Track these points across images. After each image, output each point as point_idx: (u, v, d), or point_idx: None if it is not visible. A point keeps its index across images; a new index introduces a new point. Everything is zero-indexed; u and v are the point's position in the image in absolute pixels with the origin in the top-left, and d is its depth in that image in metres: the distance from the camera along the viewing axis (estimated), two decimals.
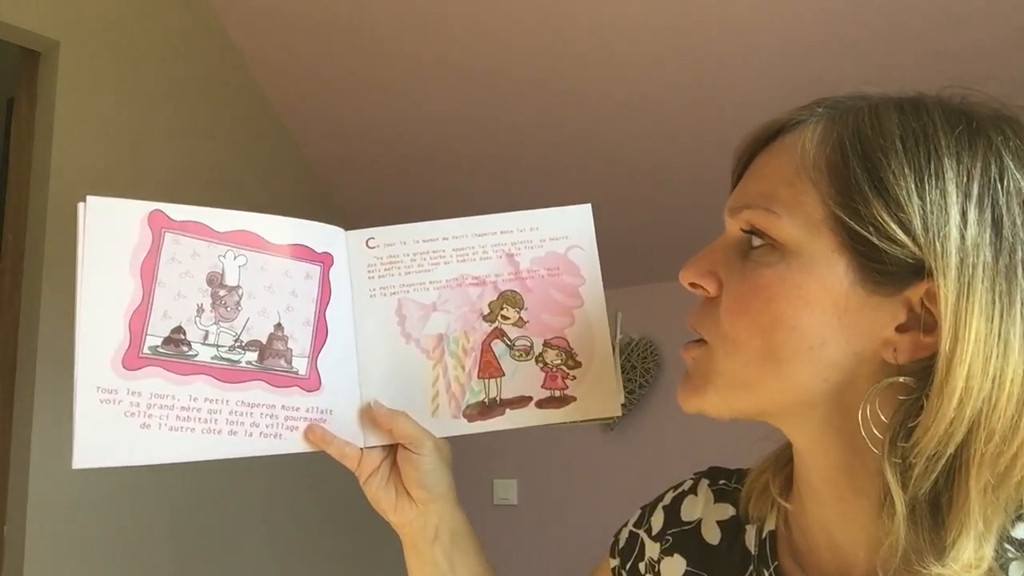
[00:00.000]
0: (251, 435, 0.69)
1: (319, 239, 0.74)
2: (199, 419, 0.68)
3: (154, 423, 0.66)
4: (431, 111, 2.63)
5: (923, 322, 0.49)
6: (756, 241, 0.54)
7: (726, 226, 0.57)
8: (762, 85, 2.12)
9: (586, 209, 0.78)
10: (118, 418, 0.65)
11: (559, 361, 0.76)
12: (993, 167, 0.48)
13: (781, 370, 0.52)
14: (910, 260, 0.48)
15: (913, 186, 0.48)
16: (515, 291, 0.76)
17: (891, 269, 0.49)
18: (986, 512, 0.47)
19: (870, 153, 0.50)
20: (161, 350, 0.67)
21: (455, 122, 2.64)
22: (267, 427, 0.70)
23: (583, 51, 2.28)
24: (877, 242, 0.49)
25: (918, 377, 0.49)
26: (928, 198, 0.48)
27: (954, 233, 0.47)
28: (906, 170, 0.48)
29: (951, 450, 0.47)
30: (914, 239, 0.48)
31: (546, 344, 0.76)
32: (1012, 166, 0.49)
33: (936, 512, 0.48)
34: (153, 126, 2.50)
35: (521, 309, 0.76)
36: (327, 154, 2.93)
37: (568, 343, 0.76)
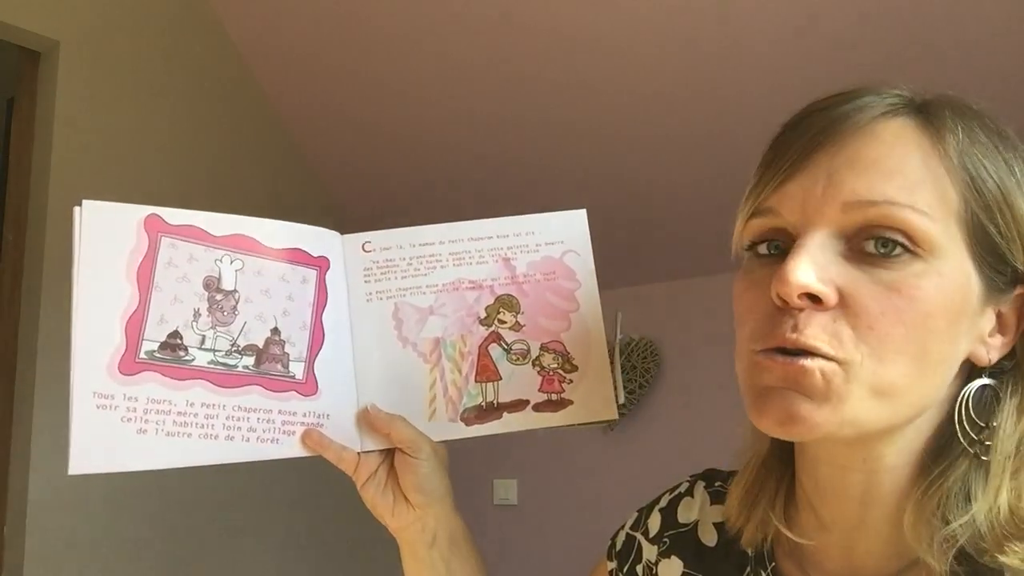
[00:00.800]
0: (248, 440, 0.69)
1: (315, 243, 0.74)
2: (196, 424, 0.67)
3: (151, 428, 0.66)
4: (431, 111, 2.63)
5: (1002, 326, 0.53)
6: (880, 244, 0.50)
7: (815, 221, 0.51)
8: (763, 85, 2.12)
9: (581, 215, 0.78)
10: (115, 423, 0.65)
11: (556, 365, 0.76)
12: None
13: (926, 381, 0.51)
14: (1016, 273, 0.52)
15: (1020, 200, 0.51)
16: (512, 295, 0.77)
17: (1006, 277, 0.52)
18: None
19: (992, 160, 0.51)
20: (158, 355, 0.67)
21: (454, 122, 2.64)
22: (264, 432, 0.70)
23: (584, 51, 2.28)
24: (1005, 251, 0.51)
25: (998, 377, 0.53)
26: None
27: None
28: (1013, 182, 0.52)
29: None
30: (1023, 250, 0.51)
31: (543, 348, 0.76)
32: None
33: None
34: (153, 126, 2.50)
35: (518, 313, 0.76)
36: (327, 154, 2.93)
37: (564, 347, 0.76)
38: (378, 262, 0.76)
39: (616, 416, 0.78)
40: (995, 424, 0.51)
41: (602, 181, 2.57)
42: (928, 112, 0.52)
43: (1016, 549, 0.49)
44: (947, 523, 0.50)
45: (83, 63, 2.34)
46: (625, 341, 2.79)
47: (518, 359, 0.76)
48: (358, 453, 0.73)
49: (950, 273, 0.50)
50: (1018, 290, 0.52)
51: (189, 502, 2.43)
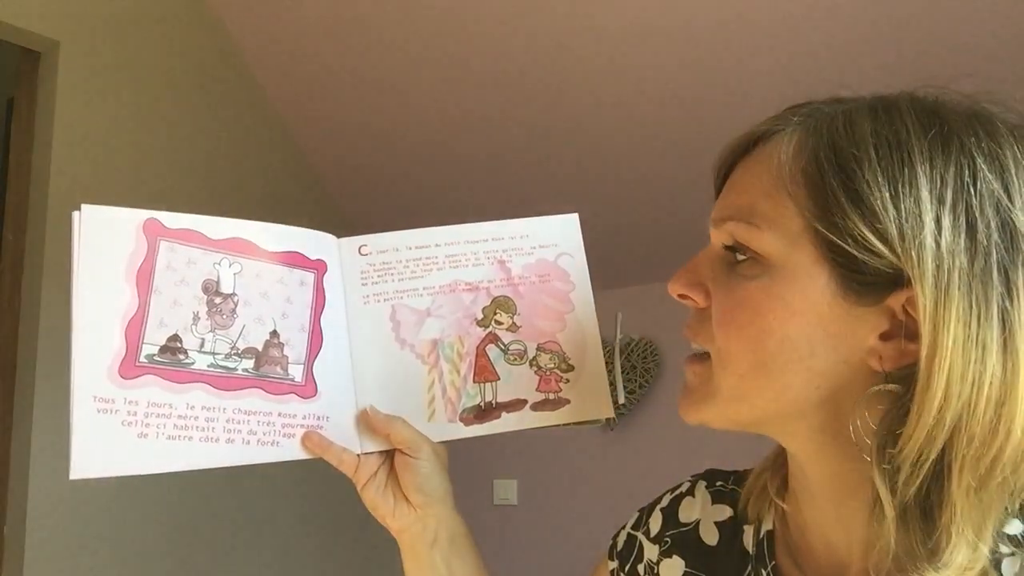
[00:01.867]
0: (248, 443, 0.69)
1: (312, 246, 0.74)
2: (197, 427, 0.67)
3: (152, 432, 0.66)
4: (431, 112, 2.63)
5: (906, 329, 0.49)
6: (739, 254, 0.54)
7: (711, 237, 0.58)
8: (760, 85, 2.13)
9: (573, 218, 0.80)
10: (115, 427, 0.65)
11: (552, 364, 0.77)
12: (966, 171, 0.49)
13: (774, 381, 0.53)
14: (889, 269, 0.49)
15: (888, 195, 0.48)
16: (508, 297, 0.77)
17: (871, 279, 0.49)
18: (973, 515, 0.48)
19: (844, 164, 0.50)
20: (158, 358, 0.67)
21: (454, 122, 2.64)
22: (264, 435, 0.70)
23: (583, 53, 2.28)
24: (856, 253, 0.49)
25: (904, 384, 0.49)
26: (903, 207, 0.48)
27: (929, 240, 0.47)
28: (880, 179, 0.49)
29: (934, 455, 0.47)
30: (891, 248, 0.48)
31: (539, 348, 0.77)
32: (984, 169, 0.49)
33: (927, 516, 0.49)
34: (153, 126, 2.50)
35: (514, 314, 0.77)
36: (327, 155, 2.93)
37: (561, 347, 0.77)
38: (375, 265, 0.76)
39: (613, 414, 0.79)
40: (898, 431, 0.49)
41: (602, 181, 2.57)
42: (803, 125, 0.54)
43: (926, 569, 0.48)
44: (892, 542, 0.49)
45: (83, 63, 2.35)
46: (625, 341, 2.80)
47: (515, 359, 0.77)
48: (358, 455, 0.73)
49: (789, 278, 0.51)
50: (903, 291, 0.49)
51: (189, 502, 2.44)
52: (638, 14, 2.13)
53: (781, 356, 0.52)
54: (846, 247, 0.49)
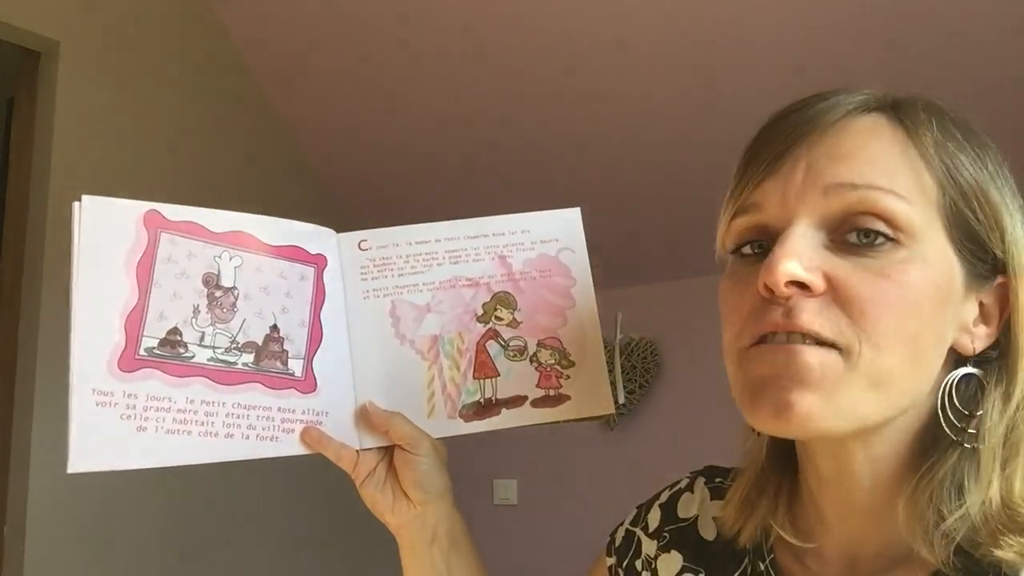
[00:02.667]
0: (248, 438, 0.69)
1: (312, 241, 0.74)
2: (196, 421, 0.67)
3: (151, 426, 0.65)
4: (431, 112, 2.63)
5: (986, 316, 0.54)
6: (863, 234, 0.50)
7: (798, 210, 0.51)
8: (763, 85, 2.12)
9: (575, 213, 0.79)
10: (114, 421, 0.64)
11: (553, 361, 0.77)
12: (1010, 178, 0.54)
13: (921, 370, 0.51)
14: (995, 259, 0.53)
15: (995, 191, 0.53)
16: (508, 292, 0.77)
17: (986, 265, 0.53)
18: None
19: (965, 152, 0.53)
20: (157, 352, 0.67)
21: (455, 121, 2.64)
22: (264, 429, 0.69)
23: (583, 51, 2.28)
24: (985, 239, 0.52)
25: (983, 366, 0.53)
26: (1008, 201, 0.53)
27: (1020, 236, 0.53)
28: (987, 174, 0.53)
29: None
30: (1003, 239, 0.52)
31: (540, 344, 0.77)
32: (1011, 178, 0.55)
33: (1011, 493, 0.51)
34: (153, 126, 2.50)
35: (514, 310, 0.77)
36: (327, 154, 2.93)
37: (561, 343, 0.77)
38: (374, 260, 0.76)
39: (613, 410, 0.78)
40: (980, 413, 0.51)
41: (602, 181, 2.57)
42: (899, 108, 0.54)
43: (1011, 542, 0.49)
44: (942, 517, 0.50)
45: (83, 63, 2.34)
46: (625, 341, 2.79)
47: (516, 355, 0.76)
48: (357, 451, 0.73)
49: (933, 259, 0.51)
50: (999, 279, 0.53)
51: (189, 501, 2.44)
52: (640, 14, 2.13)
53: (930, 342, 0.51)
54: (979, 232, 0.52)
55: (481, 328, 0.76)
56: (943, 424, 0.52)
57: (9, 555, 2.11)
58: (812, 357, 0.49)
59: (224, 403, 0.68)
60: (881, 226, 0.50)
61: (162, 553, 2.38)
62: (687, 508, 0.69)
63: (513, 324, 0.77)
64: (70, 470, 0.62)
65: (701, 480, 0.71)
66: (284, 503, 2.71)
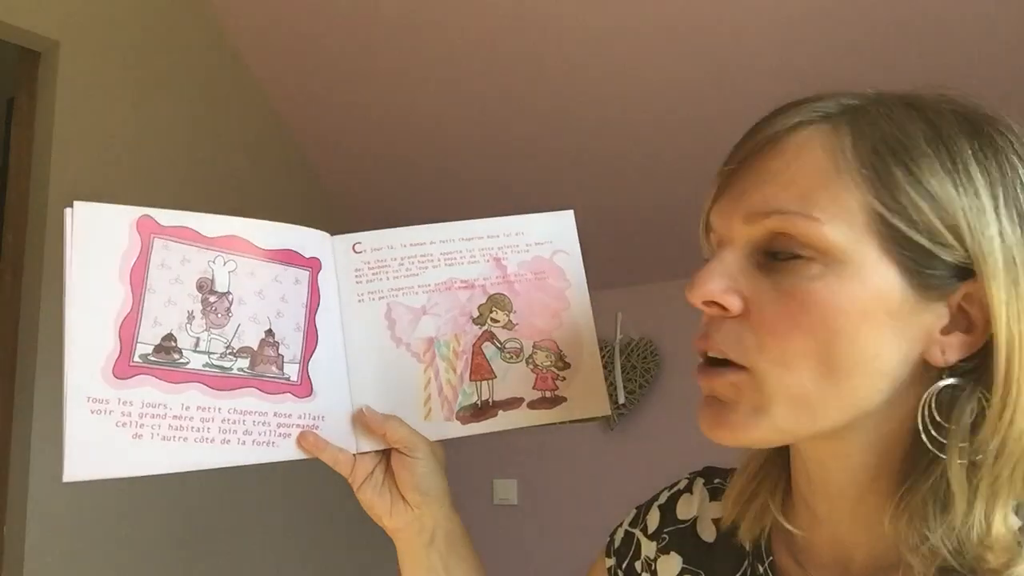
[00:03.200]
0: (244, 443, 0.68)
1: (306, 244, 0.74)
2: (192, 428, 0.66)
3: (146, 433, 0.65)
4: (433, 110, 2.63)
5: (962, 323, 0.50)
6: (782, 254, 0.51)
7: (732, 234, 0.54)
8: (762, 84, 2.12)
9: (569, 215, 0.79)
10: (110, 429, 0.64)
11: (549, 363, 0.77)
12: (1008, 169, 0.50)
13: (842, 386, 0.50)
14: (955, 262, 0.49)
15: (952, 189, 0.49)
16: (504, 294, 0.77)
17: (939, 272, 0.49)
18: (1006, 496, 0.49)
19: (908, 156, 0.50)
20: (152, 358, 0.66)
21: (454, 121, 2.64)
22: (260, 435, 0.69)
23: (584, 53, 2.28)
24: (929, 246, 0.49)
25: (963, 377, 0.50)
26: (966, 201, 0.48)
27: (995, 234, 0.48)
28: (941, 173, 0.49)
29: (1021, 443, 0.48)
30: (961, 242, 0.48)
31: (536, 346, 0.77)
32: (1020, 167, 0.50)
33: (990, 508, 0.49)
34: (153, 126, 2.50)
35: (510, 312, 0.77)
36: (328, 155, 2.93)
37: (557, 345, 0.77)
38: (369, 263, 0.76)
39: (609, 412, 0.79)
40: (955, 427, 0.49)
41: (602, 180, 2.57)
42: (851, 116, 0.52)
43: (989, 560, 0.48)
44: (927, 533, 0.49)
45: (83, 63, 2.34)
46: (625, 341, 2.79)
47: (512, 357, 0.76)
48: (354, 454, 0.73)
49: (856, 275, 0.49)
50: (967, 283, 0.49)
51: (190, 503, 2.44)
52: (639, 14, 2.13)
53: (850, 359, 0.50)
54: (918, 239, 0.49)
55: (477, 330, 0.76)
56: (924, 438, 0.50)
57: (9, 555, 2.12)
58: (723, 379, 0.53)
59: (220, 409, 0.68)
60: (794, 247, 0.50)
61: (162, 554, 2.38)
62: (686, 509, 0.69)
63: (509, 326, 0.77)
64: (66, 479, 0.61)
65: (700, 481, 0.71)
66: (284, 506, 2.71)
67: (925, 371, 0.51)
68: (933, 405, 0.50)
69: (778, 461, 0.63)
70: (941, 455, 0.50)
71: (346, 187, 2.99)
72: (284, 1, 2.52)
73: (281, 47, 2.67)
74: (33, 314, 2.19)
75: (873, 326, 0.49)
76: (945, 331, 0.50)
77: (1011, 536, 0.49)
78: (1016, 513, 0.50)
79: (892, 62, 1.95)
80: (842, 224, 0.49)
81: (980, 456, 0.48)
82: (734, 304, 0.52)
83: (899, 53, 1.94)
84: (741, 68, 2.15)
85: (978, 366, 0.49)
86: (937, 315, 0.50)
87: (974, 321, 0.49)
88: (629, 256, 2.65)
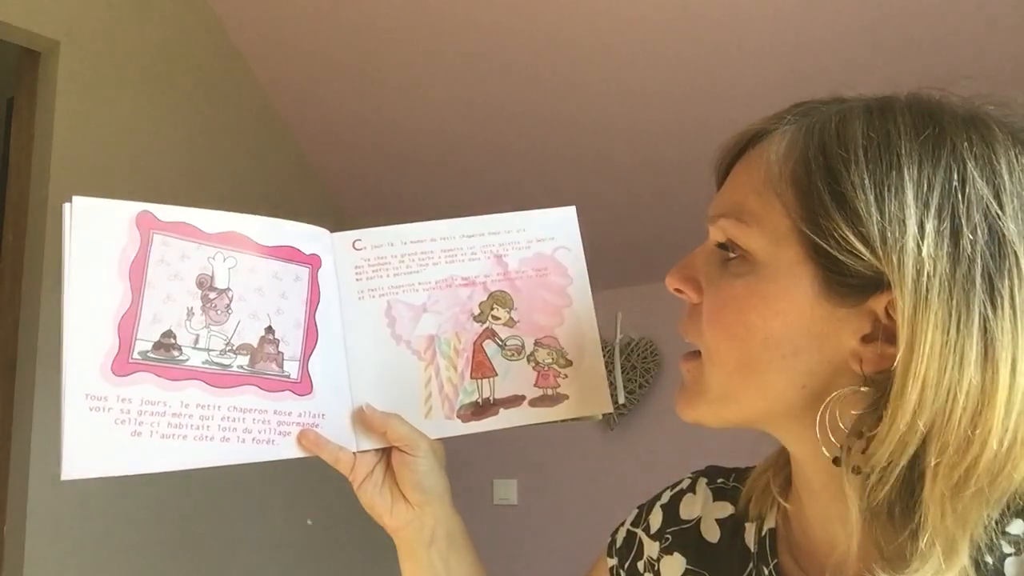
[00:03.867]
0: (244, 441, 0.67)
1: (306, 241, 0.73)
2: (191, 426, 0.66)
3: (145, 431, 0.64)
4: (431, 110, 2.63)
5: (886, 333, 0.49)
6: (731, 252, 0.55)
7: (709, 233, 0.58)
8: (762, 86, 2.12)
9: (571, 211, 0.79)
10: (108, 426, 0.63)
11: (550, 360, 0.76)
12: (955, 175, 0.48)
13: (758, 380, 0.53)
14: (871, 272, 0.48)
15: (872, 198, 0.48)
16: (505, 291, 0.76)
17: (853, 281, 0.49)
18: (946, 524, 0.47)
19: (832, 165, 0.50)
20: (151, 355, 0.65)
21: (455, 120, 2.64)
22: (260, 433, 0.68)
23: (585, 52, 2.28)
24: (838, 255, 0.49)
25: (880, 388, 0.49)
26: (886, 210, 0.48)
27: (911, 245, 0.47)
28: (866, 181, 0.48)
29: (904, 461, 0.47)
30: (872, 251, 0.48)
31: (537, 343, 0.76)
32: (975, 174, 0.48)
33: (896, 521, 0.49)
34: (153, 126, 2.50)
35: (511, 309, 0.76)
36: (328, 154, 2.93)
37: (559, 342, 0.76)
38: (369, 260, 0.75)
39: (611, 409, 0.78)
40: (846, 431, 0.50)
41: (602, 180, 2.57)
42: (792, 126, 0.54)
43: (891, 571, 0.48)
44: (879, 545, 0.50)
45: (83, 63, 2.34)
46: (625, 341, 2.79)
47: (513, 355, 0.76)
48: (354, 453, 0.72)
49: (773, 277, 0.52)
50: (884, 295, 0.48)
51: (189, 502, 2.44)
52: (640, 13, 2.13)
53: (764, 354, 0.52)
54: (828, 248, 0.49)
55: (478, 328, 0.76)
56: (820, 441, 0.51)
57: (9, 555, 2.11)
58: (684, 363, 0.59)
59: (219, 406, 0.67)
60: (732, 247, 0.54)
61: (162, 554, 2.37)
62: (689, 509, 0.69)
63: (510, 323, 0.76)
64: (64, 477, 0.61)
65: (703, 481, 0.71)
66: (282, 506, 2.71)
67: (854, 378, 0.50)
68: (846, 413, 0.50)
69: (782, 459, 0.63)
70: (836, 461, 0.51)
71: (346, 186, 2.99)
72: (285, 1, 2.52)
73: (282, 47, 2.67)
74: (33, 314, 2.19)
75: (787, 326, 0.51)
76: (866, 340, 0.50)
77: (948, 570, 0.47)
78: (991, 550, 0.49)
79: (894, 64, 1.94)
80: (766, 229, 0.52)
81: (865, 469, 0.48)
82: (692, 293, 0.57)
83: (902, 56, 1.94)
84: (742, 71, 2.15)
85: (891, 378, 0.48)
86: (857, 323, 0.50)
87: (898, 334, 0.48)
88: (629, 256, 2.64)
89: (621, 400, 2.71)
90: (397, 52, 2.50)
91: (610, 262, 2.56)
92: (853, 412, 0.50)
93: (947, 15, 1.85)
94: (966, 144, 0.49)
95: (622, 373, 2.75)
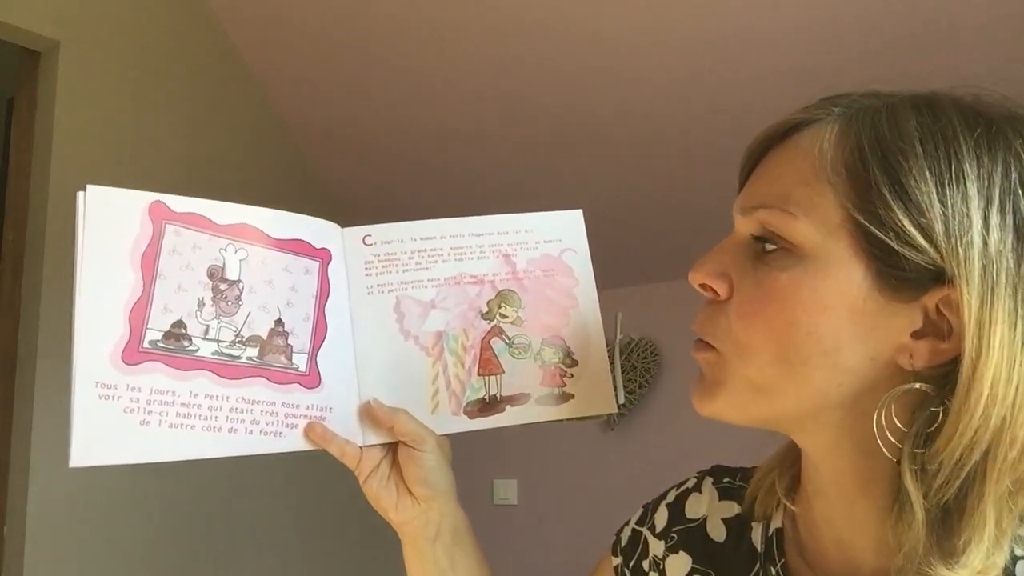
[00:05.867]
0: (251, 432, 0.68)
1: (317, 235, 0.73)
2: (200, 416, 0.66)
3: (154, 420, 0.64)
4: (431, 107, 2.63)
5: (940, 329, 0.49)
6: (769, 244, 0.53)
7: (736, 226, 0.56)
8: (765, 87, 2.13)
9: (578, 214, 0.80)
10: (117, 415, 0.63)
11: (557, 359, 0.76)
12: (1013, 171, 0.48)
13: (797, 375, 0.51)
14: (929, 266, 0.48)
15: (934, 191, 0.47)
16: (512, 290, 0.77)
17: (910, 275, 0.48)
18: (1000, 518, 0.47)
19: (890, 156, 0.49)
20: (161, 344, 0.65)
21: (457, 120, 2.64)
22: (267, 424, 0.68)
23: (585, 49, 2.28)
24: (897, 248, 0.48)
25: (935, 384, 0.49)
26: (950, 203, 0.47)
27: (977, 239, 0.47)
28: (927, 174, 0.48)
29: (976, 457, 0.47)
30: (935, 246, 0.47)
31: (544, 342, 0.77)
32: None
33: (948, 517, 0.48)
34: (153, 126, 2.50)
35: (519, 308, 0.77)
36: (327, 154, 2.93)
37: (565, 342, 0.77)
38: (379, 255, 0.75)
39: (616, 409, 0.79)
40: (908, 431, 0.49)
41: (603, 180, 2.57)
42: (840, 118, 0.53)
43: (940, 567, 0.47)
44: (909, 543, 0.49)
45: (83, 63, 2.34)
46: (625, 341, 2.79)
47: (520, 353, 0.76)
48: (361, 447, 0.72)
49: (822, 269, 0.50)
50: (944, 290, 0.48)
51: (189, 501, 2.43)
52: (642, 21, 2.13)
53: (805, 349, 0.51)
54: (887, 240, 0.48)
55: (486, 325, 0.76)
56: (879, 440, 0.50)
57: (9, 555, 2.11)
58: (700, 355, 0.56)
59: (228, 397, 0.67)
60: (775, 239, 0.53)
61: (162, 554, 2.37)
62: (695, 509, 0.69)
63: (517, 322, 0.77)
64: (72, 464, 0.61)
65: (709, 480, 0.71)
66: (285, 503, 2.71)
67: (900, 374, 0.50)
68: (894, 409, 0.50)
69: (791, 457, 0.63)
70: (892, 458, 0.50)
71: (346, 185, 2.99)
72: (284, 1, 2.52)
73: (281, 46, 2.67)
74: (33, 313, 2.18)
75: (833, 321, 0.50)
76: (917, 335, 0.49)
77: (992, 570, 0.47)
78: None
79: (903, 62, 1.95)
80: (815, 220, 0.51)
81: (932, 467, 0.48)
82: (722, 288, 0.55)
83: (909, 54, 1.95)
84: (745, 71, 2.15)
85: (948, 373, 0.48)
86: (909, 318, 0.49)
87: (952, 327, 0.48)
88: (629, 256, 2.65)
89: (621, 400, 2.72)
90: (397, 50, 2.50)
91: (610, 262, 2.56)
92: (901, 410, 0.50)
93: (950, 26, 1.86)
94: (1020, 140, 0.49)
95: (622, 373, 2.75)
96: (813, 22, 1.98)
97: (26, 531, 2.08)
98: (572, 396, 0.76)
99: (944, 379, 0.48)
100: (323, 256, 0.73)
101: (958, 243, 0.47)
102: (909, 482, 0.48)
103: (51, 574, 2.12)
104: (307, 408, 0.70)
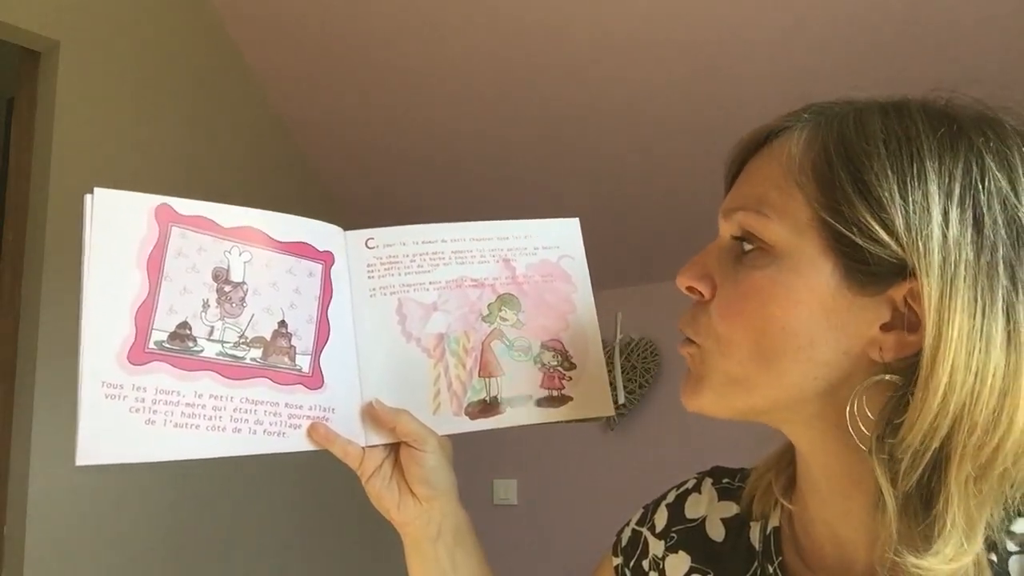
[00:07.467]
0: (255, 433, 0.68)
1: (320, 237, 0.74)
2: (204, 416, 0.67)
3: (159, 419, 0.65)
4: (431, 109, 2.64)
5: (907, 321, 0.50)
6: (747, 245, 0.55)
7: (720, 229, 0.59)
8: (759, 88, 2.13)
9: (574, 223, 0.82)
10: (123, 414, 0.64)
11: (555, 363, 0.78)
12: (974, 168, 0.50)
13: (772, 369, 0.53)
14: (893, 260, 0.50)
15: (896, 187, 0.49)
16: (513, 294, 0.78)
17: (875, 269, 0.50)
18: (968, 505, 0.48)
19: (853, 156, 0.51)
20: (167, 345, 0.66)
21: (456, 123, 2.64)
22: (271, 425, 0.69)
23: (585, 49, 2.28)
24: (861, 243, 0.50)
25: (904, 375, 0.50)
26: (910, 199, 0.49)
27: (936, 232, 0.48)
28: (888, 172, 0.50)
29: (936, 444, 0.48)
30: (897, 239, 0.49)
31: (543, 346, 0.78)
32: (993, 167, 0.50)
33: (914, 504, 0.49)
34: (153, 126, 2.50)
35: (519, 312, 0.78)
36: (327, 154, 2.94)
37: (564, 346, 0.78)
38: (381, 258, 0.77)
39: (613, 412, 0.80)
40: (875, 420, 0.51)
41: (603, 180, 2.58)
42: (810, 123, 0.55)
43: (913, 556, 0.48)
44: (882, 529, 0.51)
45: (83, 63, 2.35)
46: (625, 341, 2.80)
47: (520, 355, 0.78)
48: (363, 447, 0.73)
49: (795, 267, 0.53)
50: (909, 283, 0.49)
51: (190, 501, 2.44)
52: (638, 25, 2.14)
53: (782, 344, 0.53)
54: (852, 237, 0.50)
55: (486, 328, 0.77)
56: (851, 430, 0.51)
57: (9, 555, 2.11)
58: (684, 351, 0.59)
59: (232, 398, 0.68)
60: (752, 240, 0.55)
61: (162, 554, 2.37)
62: (695, 509, 0.70)
63: (517, 325, 0.78)
64: (78, 463, 0.62)
65: (708, 481, 0.71)
66: (285, 504, 2.71)
67: (873, 367, 0.52)
68: (867, 401, 0.51)
69: (787, 457, 0.64)
70: (863, 447, 0.51)
71: (346, 185, 3.00)
72: (285, 1, 2.52)
73: (282, 46, 2.68)
74: (33, 314, 2.19)
75: (806, 316, 0.52)
76: (886, 328, 0.51)
77: (963, 560, 0.48)
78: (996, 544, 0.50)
79: (894, 66, 1.95)
80: (787, 220, 0.53)
81: (898, 454, 0.49)
82: (706, 289, 0.57)
83: (903, 57, 1.95)
84: (740, 73, 2.16)
85: (916, 364, 0.49)
86: (877, 312, 0.51)
87: (920, 319, 0.49)
88: (629, 256, 2.65)
89: (621, 400, 2.72)
90: (398, 51, 2.51)
91: (610, 262, 2.57)
92: (877, 401, 0.51)
93: (948, 28, 1.86)
94: (982, 139, 0.51)
95: (622, 373, 2.75)
96: (813, 22, 1.99)
97: (26, 531, 2.08)
98: (571, 399, 0.77)
99: (912, 370, 0.49)
100: (326, 259, 0.74)
101: (918, 236, 0.49)
102: (878, 471, 0.50)
103: (51, 574, 2.12)
104: (310, 409, 0.71)
